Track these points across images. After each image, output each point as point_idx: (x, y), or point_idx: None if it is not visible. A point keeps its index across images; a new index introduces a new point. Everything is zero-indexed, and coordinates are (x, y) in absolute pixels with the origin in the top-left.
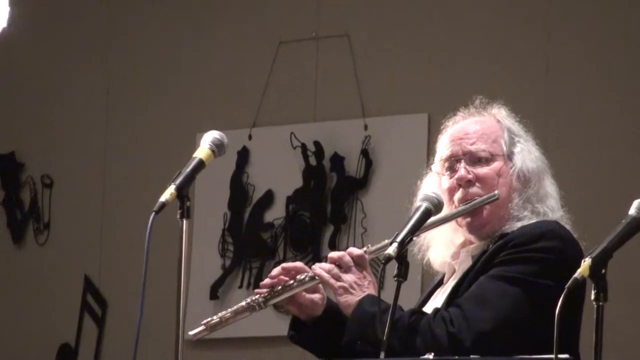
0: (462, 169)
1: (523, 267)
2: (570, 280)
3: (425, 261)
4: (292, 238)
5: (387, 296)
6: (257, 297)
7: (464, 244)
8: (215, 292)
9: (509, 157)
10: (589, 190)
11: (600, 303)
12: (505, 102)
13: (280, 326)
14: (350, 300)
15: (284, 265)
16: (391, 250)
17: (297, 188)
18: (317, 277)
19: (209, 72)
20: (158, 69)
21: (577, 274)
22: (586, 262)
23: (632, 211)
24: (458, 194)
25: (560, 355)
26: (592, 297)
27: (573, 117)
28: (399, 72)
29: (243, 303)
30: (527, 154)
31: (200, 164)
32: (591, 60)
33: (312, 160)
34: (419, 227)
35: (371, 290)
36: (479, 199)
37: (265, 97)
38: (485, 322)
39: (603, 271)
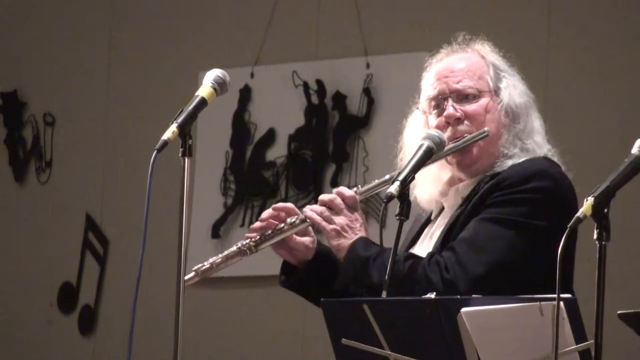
0: (450, 107)
1: (515, 209)
2: (573, 219)
3: (412, 199)
4: (294, 176)
5: (389, 234)
6: (247, 241)
7: (452, 181)
8: (217, 231)
9: (496, 92)
10: (591, 127)
11: (603, 242)
12: (507, 40)
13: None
14: (343, 243)
15: (275, 205)
16: (393, 189)
17: (299, 126)
18: (308, 220)
19: (211, 10)
20: (161, 8)
21: (580, 213)
22: (589, 201)
23: (634, 150)
24: (447, 132)
25: (562, 295)
26: (595, 236)
27: (577, 51)
28: (400, 10)
29: (234, 247)
30: (514, 89)
31: (203, 102)
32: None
33: (314, 99)
34: (421, 165)
35: (363, 232)
36: (469, 136)
37: (267, 36)
38: (480, 265)
39: (606, 210)
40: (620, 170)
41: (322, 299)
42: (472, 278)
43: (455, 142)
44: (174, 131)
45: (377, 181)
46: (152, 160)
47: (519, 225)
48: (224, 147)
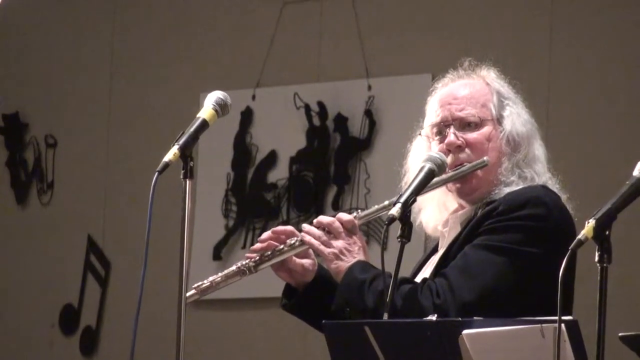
0: (451, 135)
1: (508, 236)
2: (575, 242)
3: (417, 224)
4: (296, 199)
5: (391, 257)
6: (247, 261)
7: (455, 209)
8: (219, 253)
9: (499, 121)
10: (591, 151)
11: (605, 265)
12: (509, 62)
13: (282, 286)
14: (340, 266)
15: (275, 229)
16: (394, 211)
17: (301, 148)
18: (305, 244)
19: (213, 32)
20: (163, 29)
21: (582, 235)
22: (590, 224)
23: (636, 172)
24: (448, 160)
25: (564, 317)
26: (596, 258)
27: (577, 78)
28: (402, 32)
29: (233, 267)
30: (517, 117)
31: (204, 124)
32: (596, 21)
33: (316, 121)
34: (423, 187)
35: (361, 256)
36: (469, 165)
37: (269, 58)
38: (470, 291)
39: (607, 232)
40: (622, 193)
41: (323, 321)
42: (463, 304)
43: (455, 170)
44: (175, 153)
45: (376, 206)
46: (153, 182)
47: (511, 252)
48: (225, 169)
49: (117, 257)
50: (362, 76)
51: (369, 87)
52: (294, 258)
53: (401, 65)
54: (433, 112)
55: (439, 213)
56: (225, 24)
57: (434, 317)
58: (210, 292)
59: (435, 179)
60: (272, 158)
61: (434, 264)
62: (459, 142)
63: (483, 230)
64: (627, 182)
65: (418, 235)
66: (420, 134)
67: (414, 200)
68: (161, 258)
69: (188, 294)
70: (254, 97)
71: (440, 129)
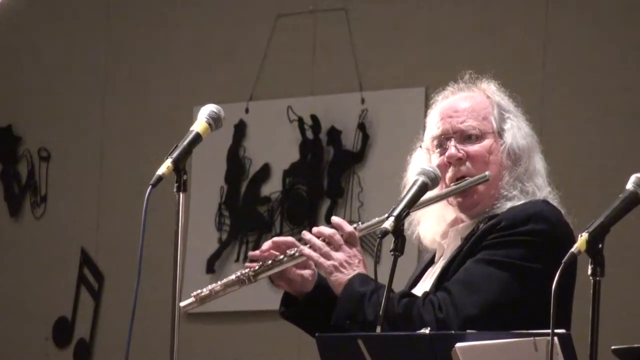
0: (452, 147)
1: (511, 251)
2: (567, 255)
3: (415, 236)
4: (289, 212)
5: (384, 270)
6: (247, 270)
7: (454, 222)
8: (212, 266)
9: (499, 134)
10: (584, 165)
11: (598, 278)
12: (503, 76)
13: (277, 300)
14: (340, 279)
15: (275, 239)
16: (387, 224)
17: (294, 162)
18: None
19: (207, 45)
20: (156, 42)
21: (575, 248)
22: (583, 237)
23: (629, 186)
24: (449, 173)
25: (557, 330)
26: (589, 271)
27: (570, 92)
28: (396, 45)
29: (233, 276)
30: (517, 131)
31: (197, 137)
32: (590, 35)
33: (309, 134)
34: (416, 201)
35: (361, 268)
36: (470, 180)
37: (262, 71)
38: (473, 306)
39: (600, 246)
40: (615, 206)
41: (316, 334)
42: (465, 318)
43: (457, 184)
44: (168, 166)
45: (377, 219)
46: (147, 195)
47: (514, 267)
48: (218, 183)
49: (111, 270)
50: (356, 89)
51: (363, 101)
52: (294, 268)
53: (395, 78)
54: (433, 125)
55: (437, 225)
56: (218, 37)
57: (427, 331)
58: (209, 300)
59: (436, 193)
60: (265, 171)
61: (434, 277)
62: (460, 155)
63: (485, 245)
64: (620, 196)
65: (411, 248)
66: (420, 147)
67: (408, 214)
68: (154, 271)
69: (187, 302)
70: (247, 111)
71: (441, 142)
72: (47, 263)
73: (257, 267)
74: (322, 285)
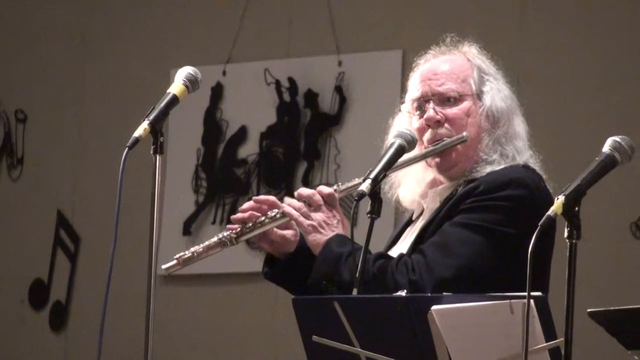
0: (430, 110)
1: (487, 215)
2: (544, 218)
3: (395, 198)
4: (266, 174)
5: (360, 232)
6: (228, 232)
7: (433, 183)
8: (189, 228)
9: (478, 96)
10: (561, 127)
11: (574, 241)
12: (479, 38)
13: (252, 262)
14: (319, 239)
15: (256, 198)
16: (364, 186)
17: (271, 124)
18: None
19: (183, 7)
20: (134, 4)
21: (551, 211)
22: (559, 200)
23: (605, 149)
24: (427, 135)
25: (533, 293)
26: (565, 234)
27: (547, 54)
28: (373, 8)
29: (215, 238)
30: (497, 93)
31: (174, 99)
32: (566, 5)
33: (286, 97)
34: (393, 163)
35: (340, 229)
36: (448, 140)
37: (239, 34)
38: (447, 269)
39: (576, 209)
40: (591, 169)
41: (292, 297)
42: (438, 281)
43: (435, 145)
44: (145, 128)
45: (357, 180)
46: (123, 157)
47: (490, 231)
48: (195, 145)
49: (87, 232)
50: (333, 52)
51: (340, 63)
52: (276, 229)
53: (372, 41)
54: (414, 88)
55: (417, 187)
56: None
57: (403, 293)
58: (191, 263)
59: (414, 154)
60: (242, 133)
61: (413, 237)
62: (438, 117)
63: (463, 209)
64: (597, 159)
65: (388, 211)
66: (401, 110)
67: (385, 176)
68: (131, 233)
69: (169, 264)
70: (224, 73)
71: (420, 104)
72: (23, 225)
73: (238, 229)
74: (304, 245)
